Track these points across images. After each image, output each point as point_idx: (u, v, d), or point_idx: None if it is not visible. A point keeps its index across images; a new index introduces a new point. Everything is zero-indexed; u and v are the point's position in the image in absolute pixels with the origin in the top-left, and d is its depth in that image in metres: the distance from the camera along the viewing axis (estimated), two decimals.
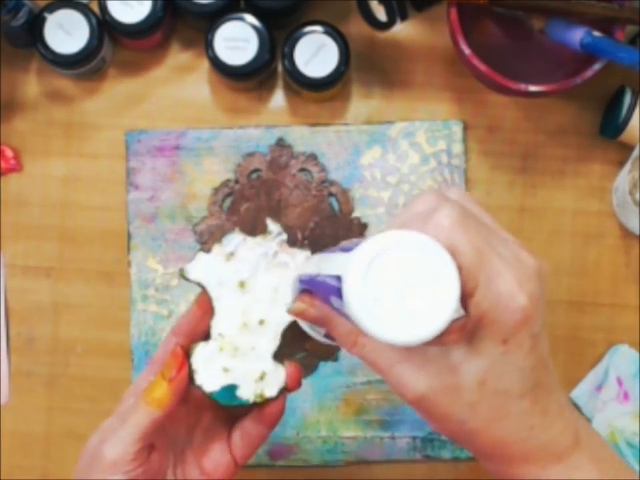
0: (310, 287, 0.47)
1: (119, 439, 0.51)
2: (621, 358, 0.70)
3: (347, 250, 0.42)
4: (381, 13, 0.71)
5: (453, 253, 0.40)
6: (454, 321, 0.43)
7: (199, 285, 0.55)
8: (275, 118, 0.72)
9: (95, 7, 0.69)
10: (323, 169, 0.71)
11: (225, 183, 0.71)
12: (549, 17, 0.65)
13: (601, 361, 0.71)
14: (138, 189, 0.72)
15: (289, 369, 0.54)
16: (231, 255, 0.55)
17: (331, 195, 0.71)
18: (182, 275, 0.55)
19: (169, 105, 0.73)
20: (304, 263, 0.54)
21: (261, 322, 0.54)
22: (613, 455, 0.48)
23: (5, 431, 0.71)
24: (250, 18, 0.68)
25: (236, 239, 0.55)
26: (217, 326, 0.54)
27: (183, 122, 0.72)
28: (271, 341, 0.54)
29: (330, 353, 0.71)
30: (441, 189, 0.47)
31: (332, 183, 0.71)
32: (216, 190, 0.71)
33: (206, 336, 0.55)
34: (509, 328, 0.42)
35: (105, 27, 0.69)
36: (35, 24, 0.68)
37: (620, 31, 0.64)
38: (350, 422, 0.70)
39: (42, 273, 0.72)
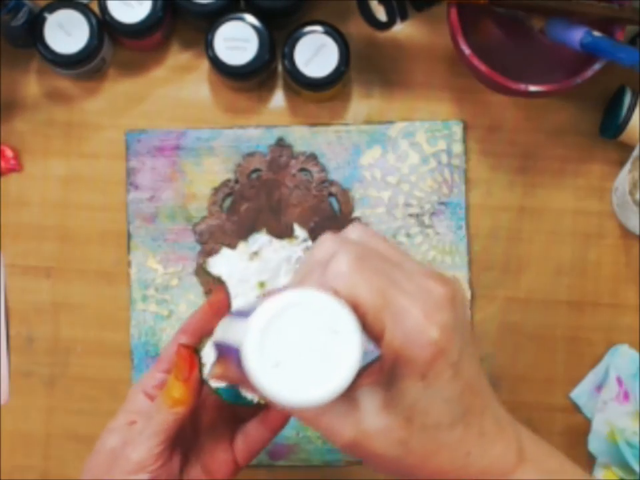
0: (223, 351, 0.47)
1: (144, 438, 0.51)
2: (620, 358, 0.70)
3: (246, 315, 0.41)
4: (381, 13, 0.70)
5: (355, 299, 0.40)
6: (370, 363, 0.43)
7: (219, 280, 0.55)
8: (275, 118, 0.72)
9: (95, 7, 0.69)
10: (323, 169, 0.71)
11: (225, 183, 0.71)
12: (548, 17, 0.65)
13: (601, 361, 0.71)
14: (138, 189, 0.72)
15: None
16: (255, 254, 0.55)
17: (331, 194, 0.71)
18: (204, 269, 0.55)
19: (168, 104, 0.73)
20: (220, 325, 0.52)
21: None
22: (562, 463, 0.47)
23: (4, 431, 0.71)
24: (250, 18, 0.68)
25: (261, 239, 0.55)
26: None
27: (183, 122, 0.72)
28: None
29: None
30: (343, 231, 0.45)
31: (332, 182, 0.71)
32: (216, 190, 0.71)
33: None
34: (423, 363, 0.41)
35: (105, 27, 0.69)
36: (35, 24, 0.68)
37: (620, 31, 0.64)
38: None
39: (42, 273, 0.72)
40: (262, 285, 0.54)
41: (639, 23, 0.63)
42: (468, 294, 0.71)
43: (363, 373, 0.43)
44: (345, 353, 0.38)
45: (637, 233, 0.70)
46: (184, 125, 0.72)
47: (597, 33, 0.62)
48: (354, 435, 0.42)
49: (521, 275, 0.71)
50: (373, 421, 0.42)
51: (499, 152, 0.72)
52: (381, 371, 0.43)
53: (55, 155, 0.72)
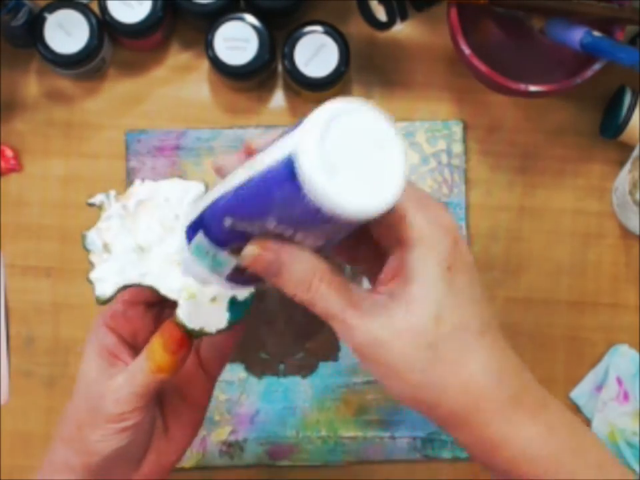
0: (241, 207, 0.40)
1: (125, 395, 0.48)
2: (620, 358, 0.70)
3: (283, 136, 0.39)
4: (381, 13, 0.70)
5: None
6: (390, 261, 0.41)
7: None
8: (275, 118, 0.72)
9: (95, 6, 0.69)
10: None
11: None
12: (548, 17, 0.65)
13: (601, 361, 0.71)
14: None
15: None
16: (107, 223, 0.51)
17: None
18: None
19: (168, 104, 0.73)
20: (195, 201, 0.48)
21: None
22: (585, 429, 0.44)
23: (4, 431, 0.71)
24: (250, 18, 0.68)
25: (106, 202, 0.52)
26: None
27: (183, 122, 0.72)
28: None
29: (330, 353, 0.71)
30: None
31: None
32: None
33: None
34: (447, 250, 0.40)
35: (105, 27, 0.69)
36: (35, 24, 0.68)
37: (620, 31, 0.64)
38: (350, 422, 0.70)
39: (42, 273, 0.72)
40: (141, 248, 0.50)
41: (639, 23, 0.63)
42: None
43: (384, 272, 0.41)
44: (394, 164, 0.37)
45: (637, 232, 0.70)
46: (184, 124, 0.72)
47: (596, 33, 0.62)
48: (380, 332, 0.39)
49: (521, 275, 0.71)
50: (402, 319, 0.39)
51: (498, 152, 0.72)
52: (403, 267, 0.40)
53: (55, 154, 0.72)
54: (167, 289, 0.47)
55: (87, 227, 0.71)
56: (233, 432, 0.70)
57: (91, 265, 0.49)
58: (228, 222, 0.40)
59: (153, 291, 0.48)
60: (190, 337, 0.48)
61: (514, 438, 0.41)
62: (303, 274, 0.40)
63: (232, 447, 0.70)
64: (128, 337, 0.52)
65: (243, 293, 0.47)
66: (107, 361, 0.50)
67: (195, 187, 0.49)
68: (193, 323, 0.47)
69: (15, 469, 0.70)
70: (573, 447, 0.42)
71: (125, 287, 0.48)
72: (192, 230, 0.43)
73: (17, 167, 0.72)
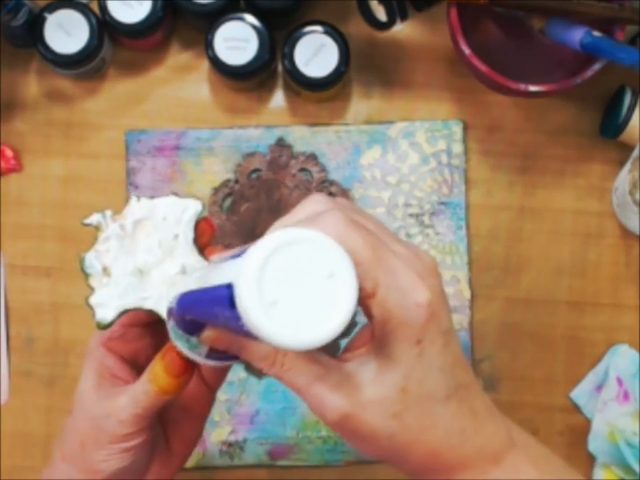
0: (192, 311, 0.43)
1: (128, 416, 0.49)
2: (620, 358, 0.70)
3: (236, 256, 0.40)
4: (381, 13, 0.70)
5: (348, 251, 0.38)
6: (361, 330, 0.42)
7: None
8: (275, 118, 0.72)
9: (95, 6, 0.69)
10: (323, 169, 0.71)
11: (225, 183, 0.71)
12: (549, 17, 0.65)
13: (601, 361, 0.71)
14: (138, 189, 0.72)
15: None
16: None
17: (331, 194, 0.71)
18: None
19: (168, 104, 0.73)
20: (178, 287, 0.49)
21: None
22: (548, 453, 0.47)
23: (4, 431, 0.71)
24: (250, 18, 0.68)
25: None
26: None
27: (183, 122, 0.72)
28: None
29: (330, 353, 0.71)
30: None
31: (332, 182, 0.71)
32: (216, 190, 0.71)
33: None
34: (418, 325, 0.40)
35: (105, 27, 0.69)
36: (35, 24, 0.68)
37: (620, 31, 0.64)
38: None
39: (42, 273, 0.72)
40: (140, 271, 0.51)
41: (639, 23, 0.63)
42: (468, 294, 0.71)
43: (353, 341, 0.42)
44: (342, 296, 0.36)
45: (637, 232, 0.70)
46: (184, 124, 0.72)
47: (596, 33, 0.62)
48: (345, 409, 0.41)
49: (521, 275, 0.72)
50: (367, 392, 0.41)
51: (499, 152, 0.72)
52: (371, 337, 0.41)
53: (55, 154, 0.72)
54: None
55: (86, 228, 0.71)
56: (233, 432, 0.70)
57: (90, 289, 0.48)
58: (188, 316, 0.43)
59: (153, 314, 0.48)
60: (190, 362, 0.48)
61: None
62: (264, 350, 0.41)
63: (232, 447, 0.70)
64: (127, 356, 0.51)
65: None
66: (108, 380, 0.50)
67: (193, 205, 0.48)
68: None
69: (15, 469, 0.70)
70: None
71: (126, 311, 0.48)
72: (168, 315, 0.46)
73: (17, 167, 0.72)
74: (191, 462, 0.70)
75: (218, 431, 0.70)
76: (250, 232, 0.71)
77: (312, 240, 0.37)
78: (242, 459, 0.70)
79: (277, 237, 0.36)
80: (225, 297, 0.37)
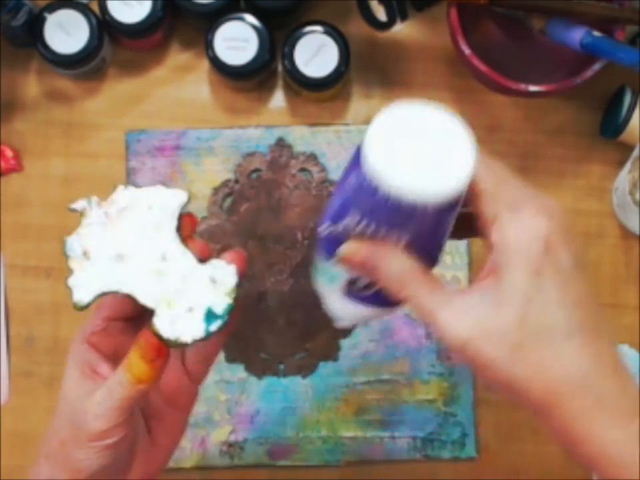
0: (338, 208, 0.43)
1: (105, 411, 0.48)
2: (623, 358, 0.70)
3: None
4: (381, 13, 0.71)
5: (474, 177, 0.42)
6: (485, 265, 0.43)
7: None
8: (275, 118, 0.72)
9: (95, 6, 0.69)
10: (323, 169, 0.71)
11: (225, 183, 0.71)
12: (549, 17, 0.65)
13: None
14: None
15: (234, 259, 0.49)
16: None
17: (331, 194, 0.71)
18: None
19: (168, 104, 0.73)
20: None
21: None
22: None
23: (4, 431, 0.71)
24: (250, 18, 0.68)
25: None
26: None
27: (183, 122, 0.72)
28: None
29: (330, 353, 0.71)
30: None
31: (332, 183, 0.71)
32: (216, 190, 0.71)
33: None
34: (536, 256, 0.41)
35: (104, 27, 0.69)
36: (35, 24, 0.68)
37: (620, 31, 0.64)
38: (350, 422, 0.70)
39: (42, 273, 0.72)
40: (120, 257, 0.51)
41: (639, 23, 0.63)
42: None
43: (479, 273, 0.44)
44: (462, 156, 0.42)
45: (637, 232, 0.70)
46: (184, 125, 0.72)
47: (596, 33, 0.62)
48: (467, 335, 0.42)
49: None
50: (487, 322, 0.41)
51: (499, 152, 0.72)
52: (493, 265, 0.42)
53: (55, 154, 0.72)
54: (145, 298, 0.47)
55: None
56: (233, 432, 0.70)
57: (70, 271, 0.48)
58: (329, 229, 0.44)
59: (131, 299, 0.47)
60: (167, 345, 0.47)
61: (595, 438, 0.42)
62: (398, 271, 0.43)
63: (232, 447, 0.70)
64: (109, 352, 0.51)
65: (220, 304, 0.47)
66: (88, 377, 0.50)
67: (179, 195, 0.49)
68: (168, 333, 0.46)
69: (15, 468, 0.70)
70: None
71: (103, 294, 0.48)
72: (318, 246, 0.47)
73: (17, 167, 0.72)
74: (190, 462, 0.70)
75: (218, 431, 0.70)
76: (250, 232, 0.71)
77: (431, 109, 0.41)
78: (242, 459, 0.70)
79: (403, 106, 0.41)
80: (353, 161, 0.41)
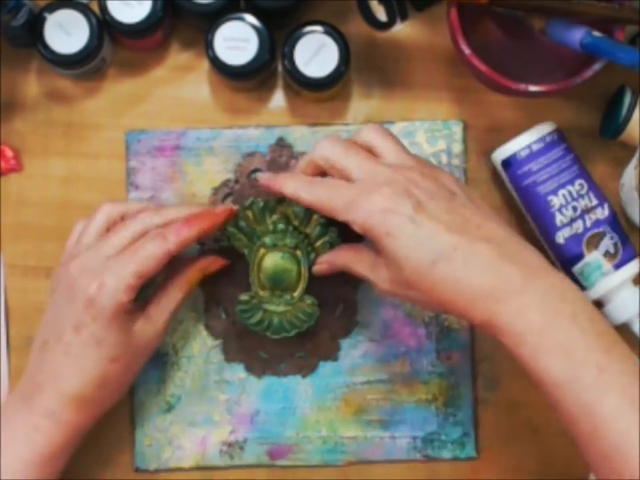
0: None
1: (159, 309, 0.65)
2: None
3: None
4: (381, 13, 0.70)
5: (321, 205, 0.60)
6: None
7: None
8: (274, 118, 0.72)
9: (95, 6, 0.69)
10: None
11: (225, 183, 0.71)
12: (549, 17, 0.65)
13: None
14: (138, 189, 0.72)
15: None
16: None
17: None
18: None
19: (168, 104, 0.73)
20: None
21: None
22: (577, 312, 0.54)
23: None
24: (250, 18, 0.68)
25: None
26: None
27: (183, 122, 0.72)
28: None
29: (330, 353, 0.71)
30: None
31: None
32: (216, 190, 0.71)
33: None
34: (379, 224, 0.56)
35: (104, 27, 0.69)
36: (35, 24, 0.68)
37: (620, 31, 0.64)
38: (350, 422, 0.70)
39: (42, 273, 0.72)
40: None
41: (639, 23, 0.63)
42: None
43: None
44: None
45: None
46: (184, 125, 0.72)
47: (596, 33, 0.62)
48: (380, 284, 0.60)
49: None
50: (386, 274, 0.59)
51: None
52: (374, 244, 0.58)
53: (55, 154, 0.72)
54: None
55: None
56: (232, 432, 0.70)
57: None
58: None
59: None
60: None
61: (519, 320, 0.54)
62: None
63: (232, 447, 0.70)
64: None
65: None
66: None
67: None
68: None
69: None
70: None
71: None
72: None
73: (17, 167, 0.72)
74: (190, 462, 0.70)
75: (218, 431, 0.70)
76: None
77: None
78: (242, 459, 0.70)
79: None
80: None
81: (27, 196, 0.72)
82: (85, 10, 0.68)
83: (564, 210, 0.68)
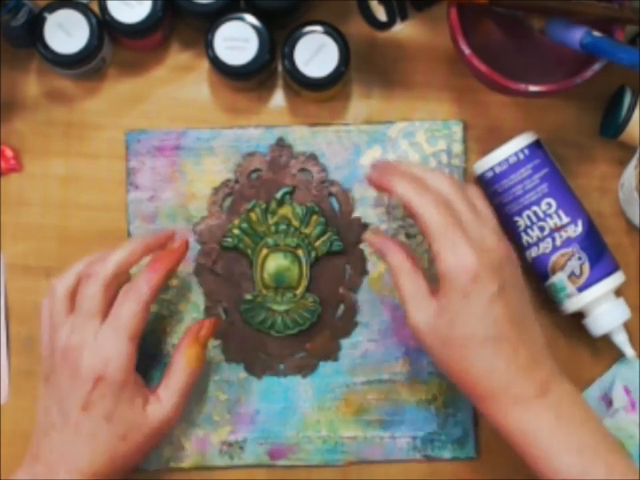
0: None
1: (168, 392, 0.64)
2: (628, 369, 0.70)
3: None
4: (381, 13, 0.71)
5: (425, 220, 0.58)
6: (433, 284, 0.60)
7: None
8: (275, 118, 0.72)
9: (95, 6, 0.69)
10: (323, 169, 0.71)
11: (225, 183, 0.71)
12: (549, 17, 0.65)
13: (608, 370, 0.70)
14: (138, 189, 0.72)
15: None
16: None
17: (331, 194, 0.71)
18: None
19: (168, 104, 0.73)
20: None
21: None
22: (585, 418, 0.59)
23: (5, 430, 0.71)
24: (250, 18, 0.68)
25: None
26: None
27: (183, 122, 0.72)
28: None
29: (330, 353, 0.71)
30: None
31: (332, 182, 0.71)
32: (216, 190, 0.71)
33: None
34: (464, 283, 0.57)
35: (104, 27, 0.69)
36: (35, 24, 0.68)
37: (620, 31, 0.64)
38: (350, 422, 0.70)
39: (42, 273, 0.72)
40: None
41: (639, 23, 0.63)
42: None
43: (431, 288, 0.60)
44: None
45: None
46: (184, 125, 0.72)
47: (596, 33, 0.62)
48: (418, 322, 0.59)
49: (521, 274, 0.71)
50: (432, 319, 0.59)
51: None
52: (439, 286, 0.59)
53: (55, 154, 0.72)
54: None
55: (86, 226, 0.71)
56: (232, 432, 0.70)
57: None
58: None
59: None
60: None
61: (533, 422, 0.58)
62: (396, 261, 0.63)
63: (232, 447, 0.70)
64: None
65: None
66: None
67: None
68: None
69: (15, 468, 0.70)
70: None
71: None
72: None
73: (17, 167, 0.72)
74: (190, 462, 0.70)
75: (218, 431, 0.70)
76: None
77: None
78: (242, 459, 0.70)
79: None
80: None
81: (27, 196, 0.72)
82: (85, 10, 0.68)
83: (529, 231, 0.67)
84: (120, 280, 0.64)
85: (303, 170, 0.71)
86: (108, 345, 0.61)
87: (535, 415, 0.58)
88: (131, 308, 0.62)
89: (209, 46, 0.68)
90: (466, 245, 0.57)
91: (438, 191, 0.60)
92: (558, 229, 0.67)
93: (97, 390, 0.61)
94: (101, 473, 0.62)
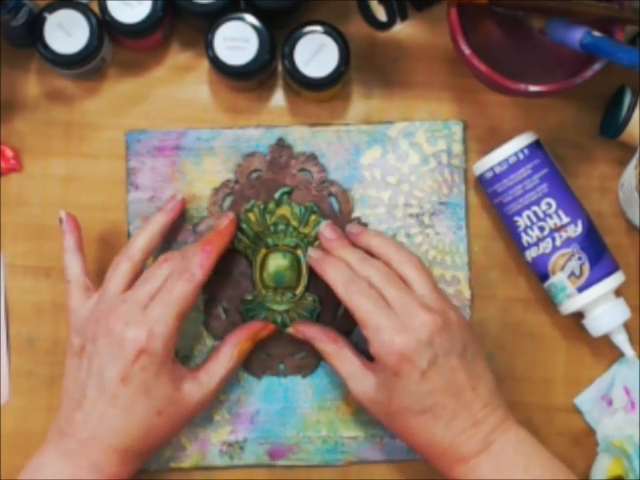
0: None
1: (208, 375, 0.65)
2: (628, 369, 0.70)
3: None
4: (381, 13, 0.71)
5: (352, 308, 0.62)
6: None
7: None
8: (275, 118, 0.72)
9: (95, 6, 0.69)
10: (323, 169, 0.71)
11: (225, 183, 0.71)
12: (549, 17, 0.65)
13: (608, 370, 0.70)
14: (138, 189, 0.72)
15: None
16: None
17: (330, 195, 0.71)
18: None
19: (168, 104, 0.73)
20: None
21: None
22: (528, 463, 0.61)
23: (5, 431, 0.71)
24: (250, 18, 0.68)
25: None
26: None
27: (183, 122, 0.72)
28: None
29: None
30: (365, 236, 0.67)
31: (332, 182, 0.71)
32: (216, 190, 0.71)
33: None
34: (393, 364, 0.60)
35: (105, 27, 0.69)
36: (35, 24, 0.68)
37: (620, 31, 0.64)
38: (350, 422, 0.70)
39: (42, 273, 0.72)
40: None
41: (639, 23, 0.63)
42: (468, 294, 0.71)
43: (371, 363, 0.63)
44: None
45: None
46: (184, 125, 0.72)
47: (596, 33, 0.62)
48: (358, 393, 0.63)
49: (521, 274, 0.71)
50: (369, 391, 0.63)
51: None
52: (377, 365, 0.62)
53: (55, 154, 0.72)
54: None
55: (86, 226, 0.71)
56: (232, 432, 0.70)
57: None
58: None
59: None
60: None
61: (474, 475, 0.61)
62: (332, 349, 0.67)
63: (232, 447, 0.70)
64: None
65: None
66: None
67: None
68: None
69: (15, 468, 0.70)
70: None
71: None
72: None
73: (17, 167, 0.72)
74: (190, 462, 0.70)
75: (218, 431, 0.70)
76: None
77: None
78: (242, 459, 0.70)
79: None
80: None
81: (27, 196, 0.72)
82: (85, 10, 0.68)
83: (529, 231, 0.67)
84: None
85: (303, 170, 0.71)
86: (156, 319, 0.61)
87: (478, 469, 0.61)
88: (184, 287, 0.62)
89: (208, 46, 0.68)
90: (390, 329, 0.60)
91: (367, 277, 0.62)
92: (558, 229, 0.67)
93: (138, 362, 0.61)
94: (134, 447, 0.62)
